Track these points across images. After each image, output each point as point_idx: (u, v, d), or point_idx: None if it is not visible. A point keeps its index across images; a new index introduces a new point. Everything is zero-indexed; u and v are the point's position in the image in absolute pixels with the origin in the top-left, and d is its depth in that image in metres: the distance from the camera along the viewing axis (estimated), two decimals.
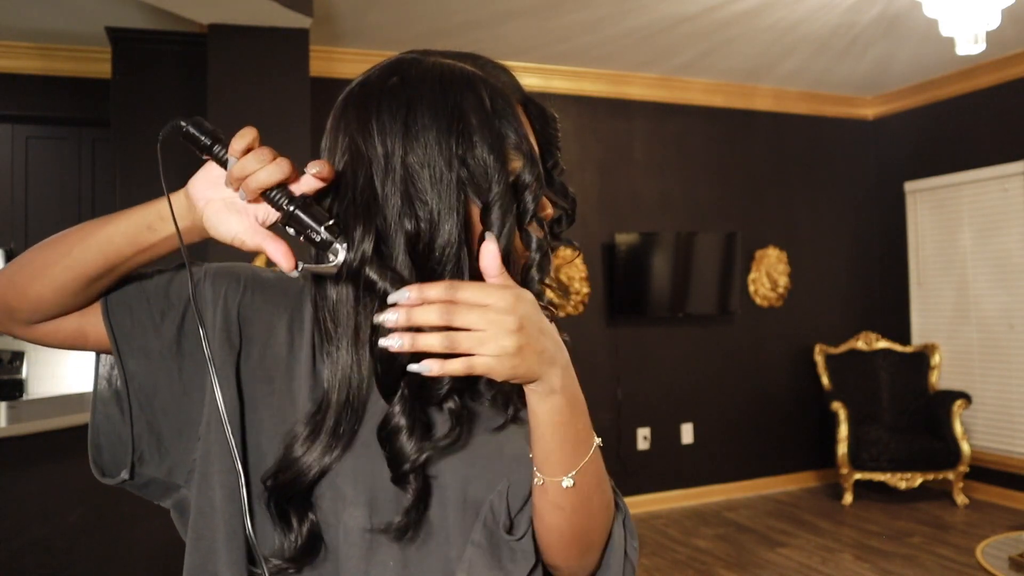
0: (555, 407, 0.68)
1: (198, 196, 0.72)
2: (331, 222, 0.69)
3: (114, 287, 0.79)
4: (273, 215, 0.71)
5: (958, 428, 4.67)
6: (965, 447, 4.63)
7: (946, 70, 4.95)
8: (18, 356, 4.10)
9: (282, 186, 0.68)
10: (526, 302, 0.64)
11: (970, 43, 3.30)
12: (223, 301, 0.78)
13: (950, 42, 3.54)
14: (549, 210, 0.78)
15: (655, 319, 4.91)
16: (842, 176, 5.56)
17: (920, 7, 3.56)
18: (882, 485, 4.92)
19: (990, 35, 3.54)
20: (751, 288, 5.23)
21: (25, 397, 4.02)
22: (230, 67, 3.42)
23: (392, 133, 0.71)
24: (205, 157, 0.71)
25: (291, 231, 0.70)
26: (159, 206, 0.73)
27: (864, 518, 4.56)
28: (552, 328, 0.68)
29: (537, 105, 0.79)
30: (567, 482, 0.70)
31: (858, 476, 4.79)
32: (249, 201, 0.69)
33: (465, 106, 0.71)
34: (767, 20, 3.99)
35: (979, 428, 4.93)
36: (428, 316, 0.61)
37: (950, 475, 4.70)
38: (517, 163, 0.72)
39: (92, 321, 0.78)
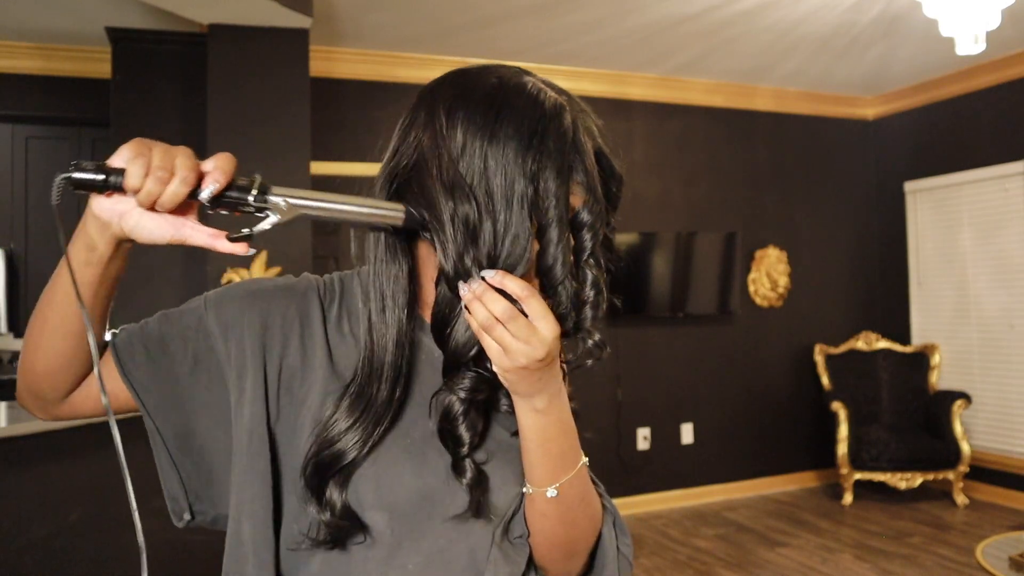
0: (538, 424, 0.75)
1: (105, 212, 0.69)
2: (256, 181, 0.69)
3: (125, 339, 0.80)
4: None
5: (958, 428, 4.67)
6: (965, 447, 4.63)
7: (946, 70, 4.95)
8: (18, 356, 4.10)
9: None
10: (559, 339, 0.70)
11: (970, 43, 3.29)
12: (238, 329, 0.79)
13: (950, 42, 3.54)
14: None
15: (655, 319, 4.91)
16: (842, 176, 5.55)
17: (920, 7, 3.56)
18: (882, 485, 4.92)
19: (990, 35, 3.55)
20: (751, 288, 5.23)
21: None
22: (230, 67, 3.42)
23: (477, 130, 0.72)
24: (107, 195, 0.69)
25: (224, 212, 0.70)
26: (82, 240, 0.71)
27: (864, 518, 4.56)
28: (559, 372, 0.74)
29: (607, 161, 0.79)
30: (551, 492, 0.77)
31: (858, 476, 4.79)
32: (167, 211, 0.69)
33: (549, 130, 0.72)
34: (767, 20, 3.99)
35: (979, 428, 4.93)
36: (495, 308, 0.68)
37: (950, 475, 4.70)
38: (579, 198, 0.73)
39: (115, 383, 0.80)
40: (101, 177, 0.66)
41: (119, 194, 0.68)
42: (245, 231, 0.70)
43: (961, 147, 5.03)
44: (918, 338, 5.33)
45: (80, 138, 4.09)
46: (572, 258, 0.73)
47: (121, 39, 3.61)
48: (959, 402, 4.69)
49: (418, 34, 4.05)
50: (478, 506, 0.77)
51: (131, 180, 0.65)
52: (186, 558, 2.41)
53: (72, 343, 0.75)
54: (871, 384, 5.13)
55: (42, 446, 2.55)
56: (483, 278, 0.69)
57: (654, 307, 4.84)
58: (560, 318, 0.72)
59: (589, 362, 0.79)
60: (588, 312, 0.74)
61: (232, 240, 0.70)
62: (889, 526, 4.40)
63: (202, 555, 2.35)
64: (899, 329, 5.43)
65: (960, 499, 4.72)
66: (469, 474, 0.76)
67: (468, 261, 0.70)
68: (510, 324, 0.68)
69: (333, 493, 0.74)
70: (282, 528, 0.78)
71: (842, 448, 4.78)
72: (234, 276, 3.31)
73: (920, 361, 5.11)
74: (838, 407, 4.82)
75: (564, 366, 0.82)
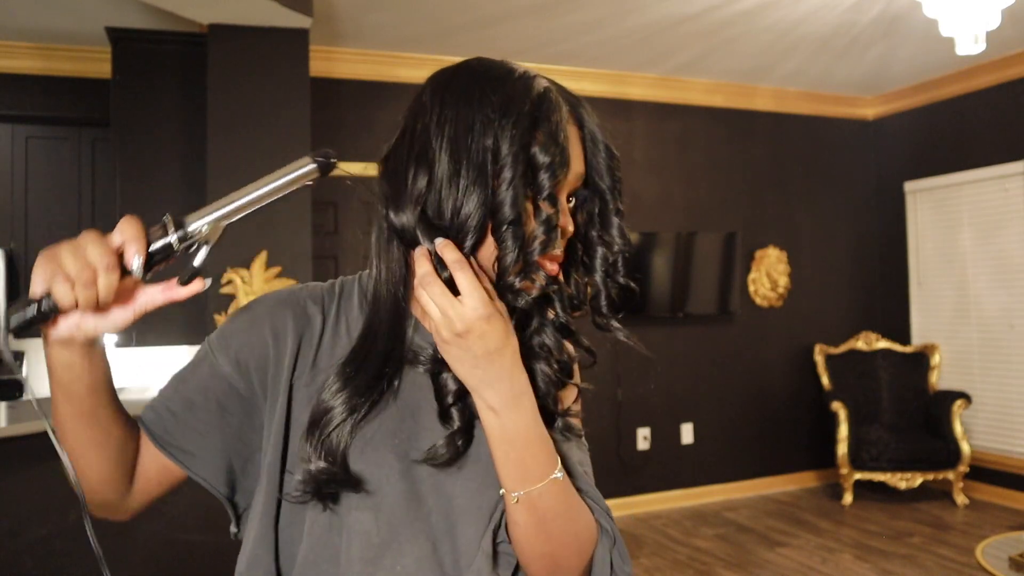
0: (494, 424, 0.74)
1: (62, 334, 0.70)
2: (169, 223, 0.70)
3: (151, 416, 0.82)
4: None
5: (958, 428, 4.67)
6: (965, 447, 4.63)
7: (946, 70, 4.95)
8: (18, 356, 4.10)
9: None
10: (495, 326, 0.70)
11: (970, 43, 3.29)
12: (252, 360, 0.81)
13: (950, 42, 3.54)
14: (570, 228, 0.80)
15: (655, 319, 4.91)
16: (842, 176, 5.55)
17: (920, 7, 3.56)
18: (882, 485, 4.92)
19: (990, 35, 3.54)
20: (751, 288, 5.23)
21: (25, 397, 4.02)
22: (230, 67, 3.42)
23: (454, 100, 0.76)
24: (53, 321, 0.69)
25: (160, 268, 0.71)
26: (56, 368, 0.72)
27: (864, 518, 4.56)
28: (513, 369, 0.73)
29: (595, 136, 0.81)
30: (512, 498, 0.75)
31: (858, 476, 4.79)
32: (111, 304, 0.70)
33: (516, 88, 0.76)
34: (767, 20, 3.99)
35: (979, 428, 4.93)
36: (419, 270, 0.72)
37: (950, 475, 4.70)
38: (539, 143, 0.74)
39: (162, 459, 0.82)
40: (34, 311, 0.66)
41: (60, 316, 0.68)
42: (190, 268, 0.71)
43: (961, 147, 5.03)
44: (918, 338, 5.33)
45: (80, 138, 4.09)
46: (531, 201, 0.74)
47: (121, 39, 3.61)
48: (959, 402, 4.69)
49: (418, 34, 4.05)
50: (456, 451, 0.76)
51: (62, 301, 0.65)
52: (187, 558, 2.41)
53: (103, 453, 0.77)
54: (871, 384, 5.13)
55: (42, 446, 2.55)
56: (431, 244, 0.72)
57: (654, 307, 4.84)
58: (504, 270, 0.73)
59: (549, 297, 0.80)
60: (536, 247, 0.74)
61: (184, 283, 0.71)
62: (889, 526, 4.40)
63: (202, 555, 2.35)
64: (899, 329, 5.43)
65: (960, 499, 4.72)
66: (457, 423, 0.77)
67: (410, 221, 0.73)
68: (428, 289, 0.70)
69: (332, 440, 0.75)
70: (283, 483, 0.80)
71: (842, 448, 4.78)
72: (234, 276, 3.31)
73: (920, 361, 5.11)
74: (838, 407, 4.82)
75: (580, 386, 0.83)
